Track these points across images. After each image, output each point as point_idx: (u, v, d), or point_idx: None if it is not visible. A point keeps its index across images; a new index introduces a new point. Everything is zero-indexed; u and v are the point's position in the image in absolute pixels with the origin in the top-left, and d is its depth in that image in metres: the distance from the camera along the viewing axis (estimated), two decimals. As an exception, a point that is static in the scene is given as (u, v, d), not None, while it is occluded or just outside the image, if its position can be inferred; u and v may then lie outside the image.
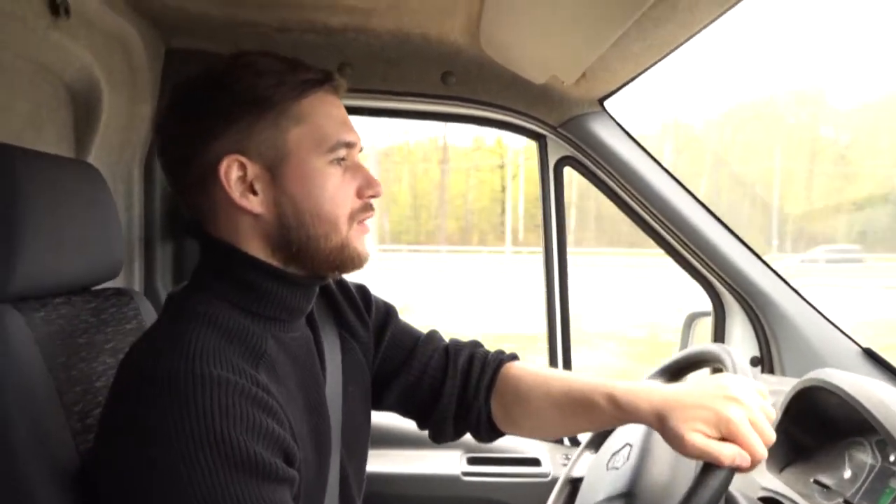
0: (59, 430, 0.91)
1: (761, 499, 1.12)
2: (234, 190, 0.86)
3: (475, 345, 1.16)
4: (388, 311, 1.16)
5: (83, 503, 0.87)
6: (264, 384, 0.82)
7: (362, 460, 1.09)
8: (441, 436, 1.14)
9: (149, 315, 1.16)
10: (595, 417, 0.99)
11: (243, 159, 0.85)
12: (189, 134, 0.87)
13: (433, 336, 1.16)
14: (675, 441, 0.88)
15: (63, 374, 0.96)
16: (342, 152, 0.89)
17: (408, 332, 1.16)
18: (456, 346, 1.15)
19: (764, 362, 1.60)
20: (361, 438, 1.10)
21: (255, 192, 0.87)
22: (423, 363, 1.12)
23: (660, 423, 0.90)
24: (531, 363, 1.12)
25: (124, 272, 1.44)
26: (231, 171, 0.85)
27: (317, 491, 0.93)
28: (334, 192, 0.88)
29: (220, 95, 0.86)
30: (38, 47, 1.15)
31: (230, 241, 0.89)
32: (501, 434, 1.12)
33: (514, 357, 1.14)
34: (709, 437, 0.86)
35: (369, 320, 1.13)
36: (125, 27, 1.32)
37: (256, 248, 0.89)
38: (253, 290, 0.89)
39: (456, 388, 1.11)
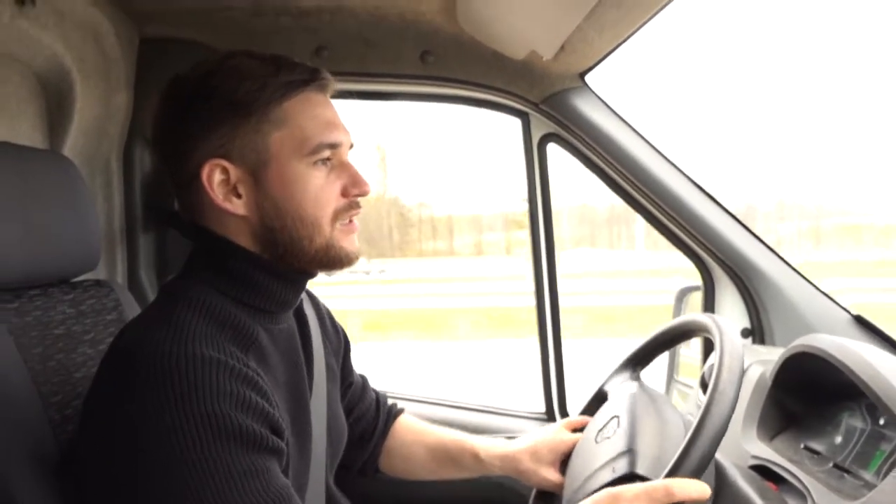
0: (37, 420, 0.90)
1: (752, 467, 1.11)
2: (217, 194, 0.87)
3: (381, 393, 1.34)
4: (346, 334, 1.23)
5: (62, 493, 0.86)
6: (254, 368, 0.84)
7: (336, 459, 1.13)
8: (351, 468, 1.27)
9: (130, 306, 1.15)
10: (461, 467, 1.22)
11: (226, 163, 0.86)
12: (174, 137, 0.88)
13: (366, 378, 1.32)
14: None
15: (39, 364, 0.95)
16: (326, 153, 0.89)
17: (352, 365, 1.27)
18: (381, 395, 1.32)
19: (755, 333, 1.59)
20: (343, 440, 1.15)
21: (238, 195, 0.88)
22: (367, 405, 1.28)
23: (514, 464, 1.16)
24: (411, 418, 1.33)
25: (107, 264, 1.44)
26: (213, 176, 0.86)
27: (301, 484, 0.94)
28: (317, 194, 0.89)
29: (203, 101, 0.86)
30: (5, 36, 1.14)
31: (224, 234, 0.90)
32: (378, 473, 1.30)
33: (401, 410, 1.33)
34: None
35: (340, 330, 1.21)
36: (95, 15, 1.30)
37: (247, 245, 0.90)
38: (245, 281, 0.90)
39: (378, 435, 1.27)
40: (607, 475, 0.99)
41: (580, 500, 1.01)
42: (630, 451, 0.99)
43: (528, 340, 1.79)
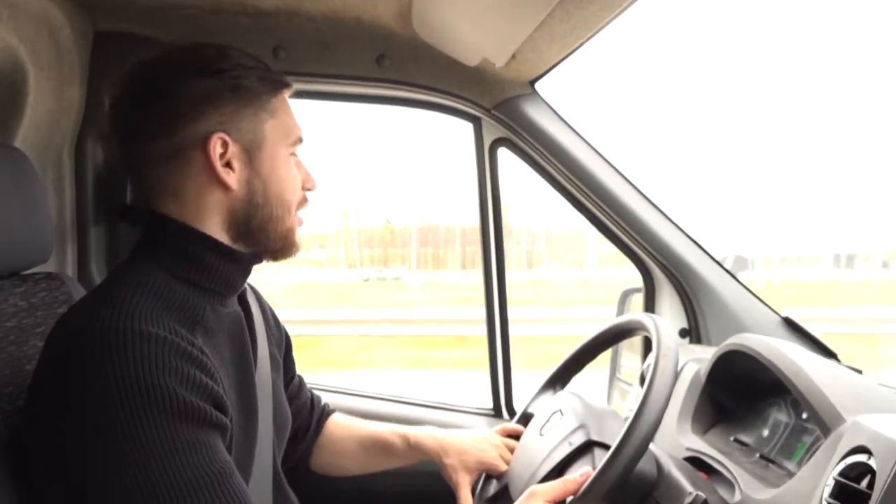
0: None
1: (686, 458, 1.18)
2: (218, 163, 0.93)
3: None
4: (287, 331, 1.28)
5: (13, 479, 0.86)
6: (199, 346, 0.87)
7: (282, 444, 1.16)
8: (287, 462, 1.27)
9: None
10: (392, 453, 1.27)
11: (227, 138, 0.93)
12: (171, 111, 0.92)
13: (302, 378, 1.35)
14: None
15: None
16: (299, 146, 1.01)
17: (293, 361, 1.30)
18: (316, 396, 1.37)
19: (692, 333, 1.67)
20: (288, 426, 1.18)
21: (232, 170, 0.94)
22: (303, 403, 1.32)
23: (442, 454, 1.21)
24: (343, 416, 1.37)
25: (57, 257, 1.43)
26: (216, 147, 0.92)
27: (245, 462, 0.97)
28: (293, 181, 0.99)
29: (210, 80, 0.93)
30: None
31: (184, 217, 0.95)
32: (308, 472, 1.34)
33: (333, 410, 1.38)
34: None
35: (282, 326, 1.26)
36: (51, 9, 1.29)
37: (213, 224, 0.96)
38: (198, 263, 0.95)
39: (311, 432, 1.32)
40: (564, 449, 1.04)
41: (535, 483, 1.05)
42: (583, 426, 1.05)
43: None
